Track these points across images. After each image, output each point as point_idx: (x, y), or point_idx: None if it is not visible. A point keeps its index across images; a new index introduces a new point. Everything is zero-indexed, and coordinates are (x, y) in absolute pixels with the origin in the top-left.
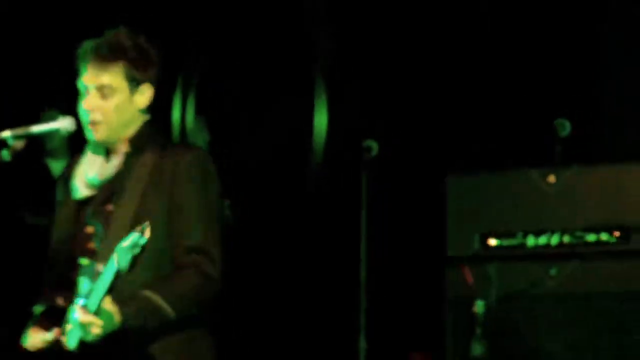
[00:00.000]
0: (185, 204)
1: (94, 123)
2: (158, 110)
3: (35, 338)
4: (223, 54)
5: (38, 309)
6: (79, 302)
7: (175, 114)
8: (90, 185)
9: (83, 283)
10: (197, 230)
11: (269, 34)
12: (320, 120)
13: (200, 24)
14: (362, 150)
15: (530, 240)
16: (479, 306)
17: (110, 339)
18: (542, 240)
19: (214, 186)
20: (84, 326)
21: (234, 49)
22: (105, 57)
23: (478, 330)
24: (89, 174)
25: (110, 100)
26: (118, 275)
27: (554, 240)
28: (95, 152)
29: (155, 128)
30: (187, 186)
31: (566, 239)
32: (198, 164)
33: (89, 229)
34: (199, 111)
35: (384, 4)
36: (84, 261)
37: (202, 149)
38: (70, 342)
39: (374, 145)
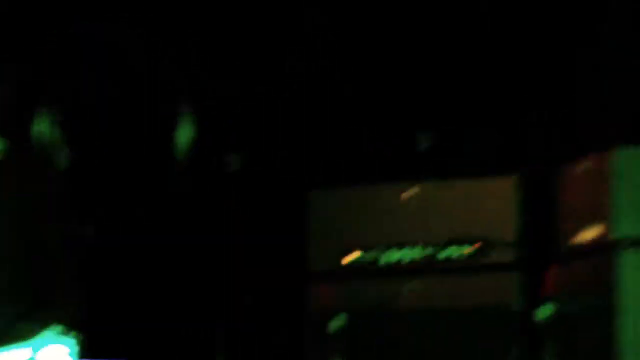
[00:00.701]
0: None
1: None
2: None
3: None
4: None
5: None
6: None
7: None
8: None
9: None
10: None
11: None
12: (184, 132)
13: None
14: (225, 163)
15: (389, 255)
16: (338, 321)
17: None
18: (401, 255)
19: None
20: None
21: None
22: None
23: (337, 345)
24: None
25: None
26: None
27: (413, 254)
28: None
29: None
30: None
31: (424, 253)
32: None
33: None
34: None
35: (236, 29)
36: None
37: None
38: None
39: (235, 159)
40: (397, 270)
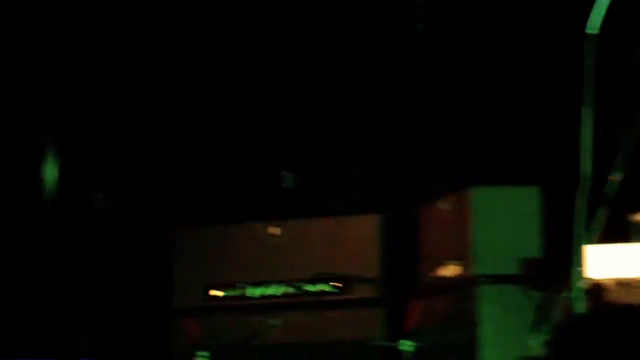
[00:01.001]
0: None
1: None
2: None
3: None
4: None
5: None
6: None
7: None
8: None
9: None
10: None
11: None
12: (51, 170)
13: None
14: (91, 201)
15: (254, 291)
16: (202, 357)
17: None
18: (266, 291)
19: None
20: None
21: None
22: None
23: None
24: None
25: None
26: None
27: (277, 290)
28: None
29: None
30: None
31: (289, 289)
32: None
33: None
34: None
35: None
36: None
37: None
38: None
39: (101, 197)
40: (262, 306)
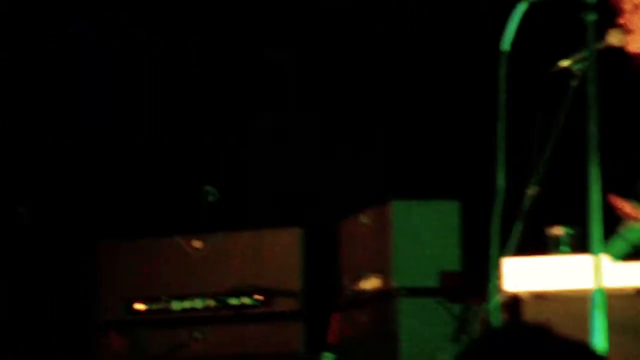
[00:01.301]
0: None
1: None
2: None
3: None
4: None
5: None
6: None
7: None
8: None
9: None
10: None
11: None
12: None
13: None
14: (14, 215)
15: (177, 305)
16: None
17: None
18: (189, 304)
19: None
20: None
21: None
22: None
23: None
24: None
25: None
26: None
27: (200, 304)
28: None
29: None
30: None
31: (211, 303)
32: None
33: None
34: None
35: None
36: None
37: None
38: None
39: (23, 211)
40: (186, 319)
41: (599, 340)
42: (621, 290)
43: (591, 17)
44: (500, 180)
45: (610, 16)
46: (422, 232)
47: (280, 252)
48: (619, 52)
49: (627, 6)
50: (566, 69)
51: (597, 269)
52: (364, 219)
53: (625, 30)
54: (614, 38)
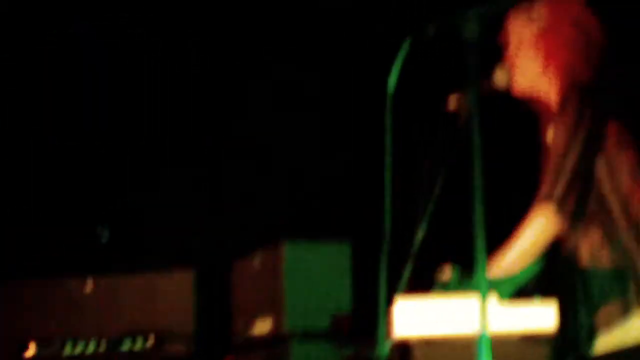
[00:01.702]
0: None
1: None
2: None
3: None
4: None
5: None
6: None
7: None
8: None
9: None
10: None
11: None
12: None
13: None
14: None
15: (68, 348)
16: None
17: None
18: (80, 348)
19: None
20: None
21: None
22: None
23: None
24: None
25: None
26: None
27: (91, 347)
28: None
29: None
30: None
31: (103, 346)
32: None
33: None
34: None
35: None
36: None
37: None
38: None
39: None
40: None
41: None
42: (507, 334)
43: (474, 57)
44: (388, 222)
45: (496, 56)
46: (314, 274)
47: (173, 294)
48: (506, 92)
49: (511, 43)
50: (452, 109)
51: (483, 312)
52: (256, 260)
53: (510, 69)
54: (499, 78)
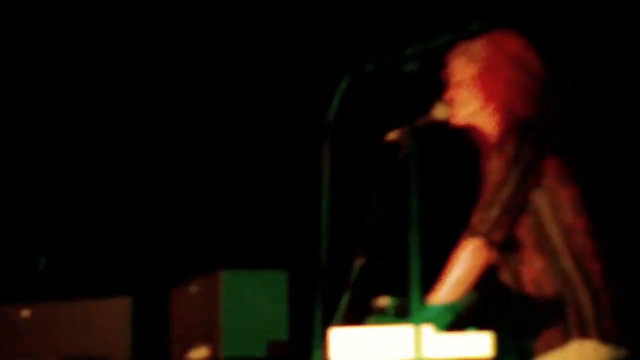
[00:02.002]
0: None
1: None
2: None
3: None
4: None
5: None
6: None
7: None
8: None
9: None
10: None
11: None
12: None
13: None
14: None
15: None
16: None
17: None
18: None
19: None
20: None
21: None
22: None
23: None
24: None
25: None
26: None
27: None
28: None
29: None
30: None
31: None
32: None
33: None
34: None
35: None
36: None
37: None
38: None
39: None
40: None
41: None
42: None
43: (414, 90)
44: (324, 251)
45: (437, 90)
46: (250, 302)
47: (109, 322)
48: (445, 125)
49: (452, 81)
50: (393, 142)
51: (418, 339)
52: (193, 287)
53: (450, 104)
54: (439, 112)
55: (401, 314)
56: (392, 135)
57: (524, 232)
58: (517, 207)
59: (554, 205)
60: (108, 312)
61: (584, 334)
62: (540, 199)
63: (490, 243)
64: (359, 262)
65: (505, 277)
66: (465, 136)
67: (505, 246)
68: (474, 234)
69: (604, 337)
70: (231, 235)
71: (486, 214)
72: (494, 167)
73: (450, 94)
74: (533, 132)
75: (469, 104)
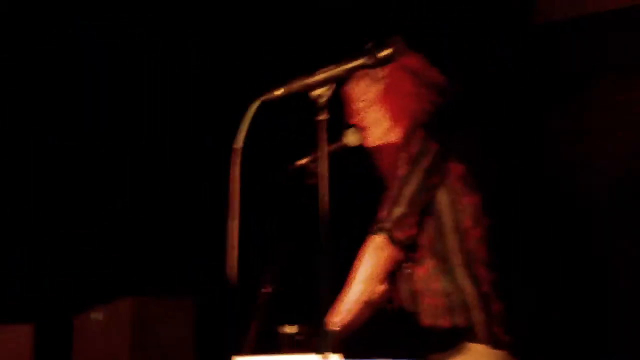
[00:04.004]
0: None
1: None
2: None
3: None
4: None
5: None
6: None
7: None
8: None
9: None
10: None
11: None
12: None
13: None
14: None
15: None
16: None
17: None
18: None
19: None
20: None
21: None
22: None
23: None
24: None
25: None
26: None
27: None
28: None
29: None
30: None
31: None
32: None
33: None
34: None
35: None
36: None
37: None
38: None
39: None
40: None
41: None
42: None
43: (322, 117)
44: (232, 279)
45: (346, 116)
46: (157, 330)
47: (11, 348)
48: (357, 150)
49: (358, 105)
50: (302, 168)
51: None
52: (96, 315)
53: (360, 128)
54: (350, 138)
55: (307, 342)
56: (303, 161)
57: (424, 233)
58: (421, 205)
59: (455, 207)
60: (10, 339)
61: (474, 337)
62: (442, 199)
63: (393, 240)
64: (266, 290)
65: (400, 282)
66: (372, 158)
67: (408, 246)
68: (377, 230)
69: (495, 342)
70: (135, 262)
71: (390, 211)
72: (399, 166)
73: (359, 118)
74: (437, 133)
75: (379, 124)
